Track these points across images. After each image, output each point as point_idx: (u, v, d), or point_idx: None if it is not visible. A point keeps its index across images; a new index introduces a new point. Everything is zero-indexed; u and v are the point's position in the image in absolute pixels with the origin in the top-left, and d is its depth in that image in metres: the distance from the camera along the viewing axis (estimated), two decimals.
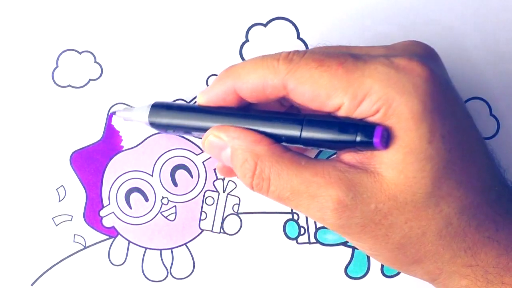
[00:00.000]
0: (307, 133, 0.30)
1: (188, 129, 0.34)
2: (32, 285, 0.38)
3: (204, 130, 0.33)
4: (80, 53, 0.38)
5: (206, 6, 0.38)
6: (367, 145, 0.28)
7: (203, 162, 0.38)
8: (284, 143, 0.31)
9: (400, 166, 0.28)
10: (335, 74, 0.29)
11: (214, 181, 0.38)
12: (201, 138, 0.33)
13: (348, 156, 0.30)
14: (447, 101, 0.29)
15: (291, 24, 0.39)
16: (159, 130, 0.36)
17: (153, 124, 0.35)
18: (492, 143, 0.38)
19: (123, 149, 0.38)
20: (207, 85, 0.38)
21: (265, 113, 0.32)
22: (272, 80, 0.30)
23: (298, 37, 0.39)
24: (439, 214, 0.29)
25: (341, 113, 0.29)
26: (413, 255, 0.30)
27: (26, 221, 0.38)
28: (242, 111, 0.32)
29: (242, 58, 0.38)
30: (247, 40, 0.38)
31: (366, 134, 0.28)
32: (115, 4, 0.38)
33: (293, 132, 0.30)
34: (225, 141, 0.32)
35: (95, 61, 0.38)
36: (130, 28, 0.38)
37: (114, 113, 0.38)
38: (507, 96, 0.39)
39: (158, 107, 0.35)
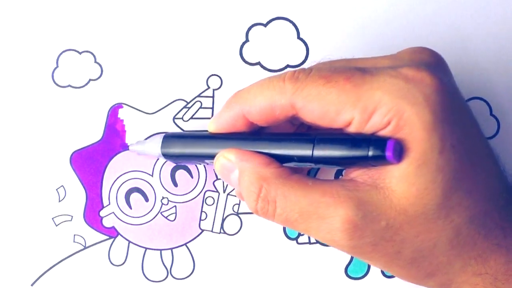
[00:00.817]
0: (319, 152, 0.30)
1: (201, 157, 0.35)
2: (32, 285, 0.38)
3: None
4: (80, 53, 0.38)
5: (206, 6, 0.38)
6: (379, 159, 0.28)
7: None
8: (294, 164, 0.31)
9: (412, 179, 0.28)
10: (343, 89, 0.29)
11: (214, 181, 0.38)
12: None
13: (356, 174, 0.30)
14: (456, 109, 0.29)
15: (291, 24, 0.39)
16: (172, 161, 0.37)
17: (166, 155, 0.36)
18: (492, 143, 0.38)
19: (123, 149, 0.38)
20: (207, 85, 0.38)
21: (275, 135, 0.32)
22: (280, 100, 0.30)
23: (298, 37, 0.39)
24: (450, 225, 0.29)
25: (352, 128, 0.29)
26: (426, 269, 0.30)
27: (26, 221, 0.38)
28: (252, 135, 0.33)
29: (242, 58, 0.38)
30: (247, 40, 0.38)
31: (379, 148, 0.28)
32: (115, 4, 0.38)
33: (305, 151, 0.30)
34: (234, 163, 0.32)
35: (95, 61, 0.38)
36: (130, 28, 0.38)
37: (127, 146, 0.38)
38: (507, 96, 0.39)
39: (169, 138, 0.35)
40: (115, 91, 0.38)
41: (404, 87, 0.28)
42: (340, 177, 0.31)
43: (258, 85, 0.31)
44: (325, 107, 0.29)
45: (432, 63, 0.31)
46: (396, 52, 0.33)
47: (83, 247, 0.38)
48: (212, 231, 0.38)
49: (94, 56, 0.38)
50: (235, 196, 0.38)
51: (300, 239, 0.38)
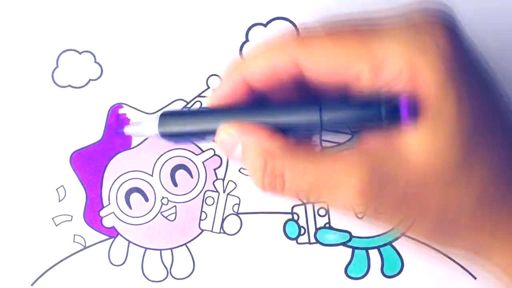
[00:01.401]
0: (328, 115, 0.28)
1: (201, 134, 0.32)
2: (32, 285, 0.38)
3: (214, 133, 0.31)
4: (80, 53, 0.38)
5: (206, 6, 0.38)
6: (393, 119, 0.26)
7: (203, 162, 0.38)
8: (302, 134, 0.30)
9: (430, 137, 0.26)
10: (350, 42, 0.27)
11: (214, 181, 0.38)
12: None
13: (368, 138, 0.28)
14: (471, 60, 0.28)
15: (291, 24, 0.39)
16: (171, 141, 0.34)
17: (164, 135, 0.33)
18: None
19: (123, 149, 0.38)
20: (207, 85, 0.38)
21: (280, 104, 0.30)
22: (283, 60, 0.28)
23: None
24: (474, 181, 0.27)
25: (363, 82, 0.27)
26: (452, 232, 0.28)
27: (26, 221, 0.38)
28: (254, 105, 0.31)
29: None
30: (247, 40, 0.38)
31: (392, 107, 0.26)
32: (115, 4, 0.38)
33: (312, 116, 0.28)
34: (236, 137, 0.30)
35: (95, 61, 0.38)
36: (130, 28, 0.38)
37: (122, 131, 0.36)
38: (507, 96, 0.39)
39: (167, 116, 0.33)
40: (115, 91, 0.38)
41: (415, 38, 0.26)
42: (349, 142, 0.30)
43: (258, 47, 0.30)
44: (332, 61, 0.27)
45: (443, 15, 0.28)
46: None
47: (83, 247, 0.38)
48: (212, 231, 0.38)
49: (94, 56, 0.38)
50: (235, 196, 0.38)
51: (300, 239, 0.38)
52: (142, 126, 0.34)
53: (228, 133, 0.30)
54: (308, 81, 0.29)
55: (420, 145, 0.27)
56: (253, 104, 0.31)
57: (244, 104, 0.31)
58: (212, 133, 0.31)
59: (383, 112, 0.26)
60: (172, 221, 0.38)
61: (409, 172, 0.27)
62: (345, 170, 0.27)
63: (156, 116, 0.33)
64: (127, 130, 0.35)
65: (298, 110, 0.29)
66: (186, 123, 0.32)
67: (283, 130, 0.29)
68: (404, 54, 0.26)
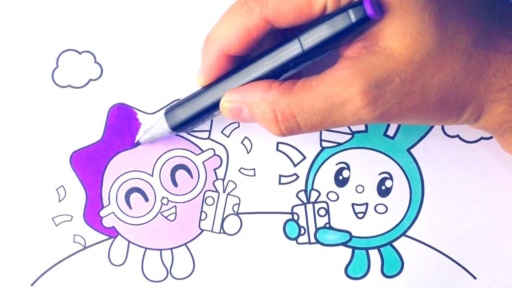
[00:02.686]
0: (307, 42, 0.30)
1: (207, 112, 0.34)
2: (32, 285, 0.38)
3: (216, 106, 0.33)
4: (80, 53, 0.38)
5: (206, 6, 0.38)
6: (364, 21, 0.28)
7: (203, 162, 0.38)
8: (291, 72, 0.31)
9: (402, 28, 0.29)
10: None
11: (214, 181, 0.38)
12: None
13: (349, 52, 0.30)
14: None
15: None
16: (185, 131, 0.37)
17: (175, 129, 0.35)
18: (492, 143, 0.38)
19: (123, 149, 0.38)
20: None
21: (261, 55, 0.32)
22: (252, 22, 0.31)
23: None
24: (458, 53, 0.29)
25: (330, 9, 0.29)
26: (455, 104, 0.30)
27: (26, 221, 0.38)
28: (241, 66, 0.32)
29: None
30: None
31: (358, 11, 0.28)
32: (115, 4, 0.38)
33: (295, 50, 0.30)
34: (239, 102, 0.32)
35: (95, 61, 0.38)
36: (130, 28, 0.38)
37: (138, 143, 0.38)
38: None
39: (170, 111, 0.35)
40: (115, 91, 0.38)
41: None
42: (337, 61, 0.31)
43: (224, 19, 0.32)
44: (296, 5, 0.30)
45: None
46: None
47: (83, 247, 0.38)
48: (212, 231, 0.38)
49: (94, 56, 0.38)
50: (235, 196, 0.38)
51: (300, 239, 0.38)
52: (154, 130, 0.36)
53: (230, 101, 0.32)
54: (280, 29, 0.31)
55: (396, 37, 0.29)
56: (239, 66, 0.33)
57: (231, 70, 0.33)
58: (216, 106, 0.33)
59: (352, 17, 0.28)
60: (172, 221, 0.38)
61: (398, 67, 0.29)
62: (344, 88, 0.29)
63: (161, 116, 0.35)
64: (142, 139, 0.37)
65: (279, 51, 0.31)
66: (189, 109, 0.34)
67: (275, 77, 0.32)
68: None
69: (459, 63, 0.29)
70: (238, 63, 0.33)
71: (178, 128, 0.35)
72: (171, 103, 0.38)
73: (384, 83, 0.29)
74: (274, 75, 0.32)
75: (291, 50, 0.31)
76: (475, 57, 0.30)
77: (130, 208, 0.38)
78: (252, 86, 0.32)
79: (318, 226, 0.38)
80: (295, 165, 0.38)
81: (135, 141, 0.38)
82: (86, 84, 0.38)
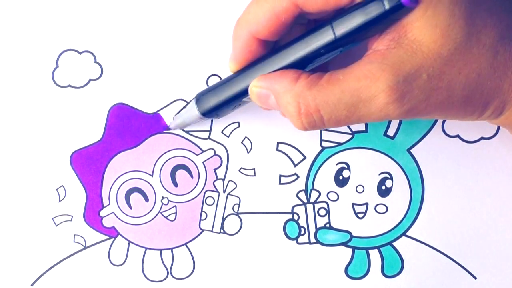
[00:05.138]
0: (340, 29, 0.30)
1: (237, 98, 0.34)
2: (32, 285, 0.38)
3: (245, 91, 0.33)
4: (80, 53, 0.38)
5: (206, 6, 0.38)
6: (398, 8, 0.28)
7: (203, 162, 0.38)
8: (321, 61, 0.31)
9: (432, 20, 0.28)
10: None
11: (214, 181, 0.38)
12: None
13: (377, 44, 0.30)
14: None
15: None
16: (215, 117, 0.36)
17: (206, 114, 0.35)
18: (492, 143, 0.38)
19: (123, 149, 0.38)
20: (207, 85, 0.38)
21: (293, 40, 0.32)
22: (281, 5, 0.31)
23: None
24: (484, 48, 0.29)
25: None
26: (479, 101, 0.30)
27: (26, 221, 0.38)
28: (272, 52, 0.32)
29: None
30: None
31: None
32: (115, 4, 0.38)
33: (327, 37, 0.30)
34: (265, 90, 0.32)
35: (95, 61, 0.38)
36: (130, 28, 0.38)
37: (168, 127, 0.38)
38: None
39: (201, 96, 0.35)
40: (115, 91, 0.38)
41: None
42: (365, 54, 0.31)
43: (254, 2, 0.32)
44: None
45: None
46: None
47: (83, 247, 0.38)
48: (212, 231, 0.38)
49: (94, 56, 0.38)
50: (235, 196, 0.38)
51: (300, 239, 0.38)
52: (184, 115, 0.37)
53: (258, 87, 0.32)
54: (309, 14, 0.31)
55: (426, 30, 0.28)
56: (271, 52, 0.33)
57: (262, 55, 0.33)
58: (247, 93, 0.33)
59: (385, 3, 0.28)
60: (172, 221, 0.38)
61: (426, 62, 0.29)
62: (371, 83, 0.29)
63: (192, 101, 0.36)
64: (173, 125, 0.37)
65: (311, 38, 0.31)
66: (220, 94, 0.34)
67: (303, 66, 0.31)
68: None
69: (486, 58, 0.29)
70: (269, 48, 0.33)
71: (208, 113, 0.35)
72: (171, 103, 0.38)
73: (412, 78, 0.29)
74: (305, 61, 0.31)
75: (323, 36, 0.30)
76: (500, 53, 0.29)
77: (130, 208, 0.38)
78: (280, 75, 0.31)
79: (318, 226, 0.38)
80: (295, 165, 0.38)
81: (167, 126, 0.38)
82: (86, 84, 0.38)
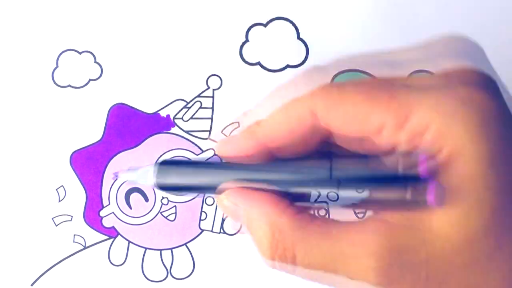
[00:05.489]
0: (340, 173, 0.26)
1: (203, 190, 0.30)
2: (32, 285, 0.38)
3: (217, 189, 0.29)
4: (80, 53, 0.38)
5: (206, 6, 0.38)
6: (418, 204, 0.24)
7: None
8: (311, 201, 0.27)
9: (460, 222, 0.23)
10: (387, 108, 0.24)
11: None
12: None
13: (387, 212, 0.25)
14: (506, 126, 0.24)
15: (291, 24, 0.39)
16: (170, 193, 0.33)
17: (161, 187, 0.31)
18: None
19: (123, 149, 0.38)
20: (207, 85, 0.38)
21: (288, 160, 0.27)
22: (310, 121, 0.26)
23: (298, 37, 0.39)
24: (504, 268, 0.24)
25: (384, 135, 0.24)
26: None
27: (26, 221, 0.38)
28: (262, 163, 0.28)
29: (242, 58, 0.38)
30: (247, 40, 0.38)
31: (419, 190, 0.24)
32: (115, 4, 0.38)
33: (322, 173, 0.26)
34: (241, 208, 0.28)
35: (95, 61, 0.38)
36: (130, 28, 0.38)
37: (116, 175, 0.36)
38: (506, 96, 0.39)
39: (166, 165, 0.31)
40: (115, 91, 0.38)
41: (459, 109, 0.23)
42: (371, 214, 0.26)
43: (282, 108, 0.27)
44: (366, 128, 0.24)
45: (486, 84, 0.25)
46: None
47: (83, 247, 0.38)
48: (212, 231, 0.38)
49: (94, 56, 0.38)
50: None
51: None
52: (138, 174, 0.33)
53: (232, 201, 0.28)
54: (324, 135, 0.26)
55: (448, 232, 0.24)
56: (261, 162, 0.28)
57: (251, 161, 0.28)
58: (215, 189, 0.29)
59: (408, 194, 0.24)
60: (172, 221, 0.38)
61: (433, 261, 0.24)
62: (364, 255, 0.25)
63: (154, 165, 0.31)
64: (122, 175, 0.35)
65: (307, 165, 0.27)
66: (187, 176, 0.30)
67: (291, 195, 0.27)
68: (445, 128, 0.23)
69: (501, 275, 0.24)
70: (264, 155, 0.28)
71: (165, 189, 0.31)
72: (171, 103, 0.38)
73: (409, 270, 0.24)
74: (291, 193, 0.27)
75: (317, 172, 0.26)
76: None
77: (130, 208, 0.38)
78: (260, 197, 0.27)
79: None
80: None
81: (115, 174, 0.37)
82: (86, 84, 0.38)
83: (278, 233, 0.26)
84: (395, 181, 0.24)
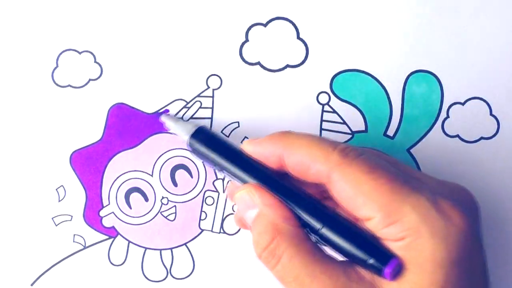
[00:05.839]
0: (326, 232, 0.30)
1: (225, 170, 0.34)
2: (32, 285, 0.38)
3: (239, 178, 0.33)
4: (80, 53, 0.38)
5: (206, 6, 0.38)
6: (375, 270, 0.29)
7: (203, 162, 0.38)
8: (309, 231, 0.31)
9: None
10: (380, 187, 0.29)
11: (214, 181, 0.38)
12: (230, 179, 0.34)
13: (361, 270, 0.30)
14: (471, 258, 0.29)
15: (291, 24, 0.39)
16: (196, 156, 0.36)
17: (193, 148, 0.35)
18: (492, 143, 0.38)
19: (123, 149, 0.38)
20: (207, 85, 0.38)
21: (300, 193, 0.32)
22: (321, 164, 0.30)
23: (298, 37, 0.39)
24: None
25: (369, 225, 0.30)
26: None
27: (26, 221, 0.38)
28: (280, 180, 0.32)
29: (242, 58, 0.38)
30: (247, 40, 0.38)
31: (380, 261, 0.29)
32: (115, 4, 0.38)
33: (315, 224, 0.31)
34: (256, 203, 0.32)
35: (95, 61, 0.38)
36: (130, 28, 0.38)
37: (164, 112, 0.38)
38: (507, 96, 0.39)
39: (202, 133, 0.35)
40: (115, 91, 0.38)
41: (433, 216, 0.29)
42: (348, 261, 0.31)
43: (309, 138, 0.31)
44: (357, 195, 0.29)
45: (468, 207, 0.31)
46: None
47: (83, 247, 0.38)
48: (212, 231, 0.38)
49: (94, 56, 0.38)
50: None
51: None
52: (177, 125, 0.36)
53: (251, 195, 0.32)
54: (328, 191, 0.31)
55: None
56: (279, 176, 0.32)
57: (272, 169, 0.32)
58: (234, 175, 0.33)
59: (371, 261, 0.29)
60: (172, 221, 0.38)
61: None
62: (330, 285, 0.29)
63: (194, 125, 0.35)
64: (165, 117, 0.37)
65: (307, 210, 0.31)
66: (216, 151, 0.34)
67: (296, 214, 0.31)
68: (415, 226, 0.28)
69: None
70: (281, 171, 0.33)
71: (195, 151, 0.35)
72: (171, 103, 0.38)
73: None
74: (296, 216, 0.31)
75: (313, 219, 0.31)
76: None
77: (130, 208, 0.38)
78: (276, 205, 0.31)
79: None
80: None
81: (161, 111, 0.38)
82: (86, 84, 0.38)
83: (278, 239, 0.30)
84: (367, 246, 0.30)
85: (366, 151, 0.32)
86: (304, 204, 0.31)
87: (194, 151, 0.35)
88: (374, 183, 0.29)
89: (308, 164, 0.31)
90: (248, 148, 0.33)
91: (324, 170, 0.30)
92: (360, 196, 0.29)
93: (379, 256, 0.29)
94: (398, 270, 0.29)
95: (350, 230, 0.30)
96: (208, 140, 0.35)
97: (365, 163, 0.30)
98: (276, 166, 0.32)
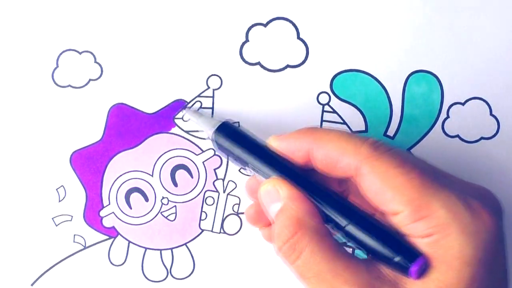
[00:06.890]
0: (352, 228, 0.30)
1: (249, 163, 0.33)
2: (32, 285, 0.38)
3: (264, 172, 0.33)
4: (80, 53, 0.38)
5: (206, 6, 0.38)
6: (401, 269, 0.29)
7: (203, 162, 0.38)
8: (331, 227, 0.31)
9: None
10: (410, 181, 0.29)
11: (214, 181, 0.38)
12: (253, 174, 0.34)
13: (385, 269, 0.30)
14: (495, 258, 0.29)
15: (291, 24, 0.39)
16: (220, 152, 0.36)
17: (218, 143, 0.35)
18: (492, 143, 0.38)
19: (123, 149, 0.38)
20: (207, 85, 0.38)
21: (327, 189, 0.32)
22: (351, 157, 0.30)
23: (298, 37, 0.39)
24: None
25: (395, 219, 0.29)
26: None
27: (26, 221, 0.38)
28: (304, 175, 0.32)
29: (242, 58, 0.38)
30: (247, 40, 0.38)
31: (407, 258, 0.28)
32: (115, 4, 0.38)
33: (341, 220, 0.30)
34: (282, 197, 0.31)
35: (95, 61, 0.38)
36: (130, 28, 0.38)
37: (181, 104, 0.38)
38: (507, 96, 0.39)
39: (226, 128, 0.35)
40: (115, 91, 0.38)
41: (463, 214, 0.28)
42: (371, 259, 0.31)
43: (337, 133, 0.31)
44: (386, 188, 0.29)
45: (495, 208, 0.31)
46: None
47: (83, 247, 0.38)
48: (212, 231, 0.38)
49: (94, 56, 0.38)
50: (235, 196, 0.38)
51: None
52: (202, 120, 0.36)
53: (277, 188, 0.31)
54: (357, 186, 0.31)
55: None
56: (304, 171, 0.32)
57: (297, 165, 0.32)
58: (260, 170, 0.33)
59: (397, 259, 0.29)
60: (172, 221, 0.38)
61: None
62: (351, 282, 0.29)
63: (218, 121, 0.35)
64: (188, 113, 0.37)
65: (334, 206, 0.31)
66: (240, 146, 0.34)
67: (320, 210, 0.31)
68: (444, 223, 0.28)
69: None
70: (306, 167, 0.32)
71: (219, 146, 0.35)
72: (171, 103, 0.38)
73: None
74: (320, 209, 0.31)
75: (339, 216, 0.30)
76: None
77: (130, 208, 0.38)
78: (302, 200, 0.31)
79: None
80: None
81: (184, 105, 0.38)
82: (86, 84, 0.38)
83: (301, 233, 0.30)
84: (393, 244, 0.29)
85: (398, 148, 0.31)
86: (330, 200, 0.31)
87: (219, 145, 0.35)
88: (404, 177, 0.29)
89: (337, 158, 0.30)
90: (275, 143, 0.33)
91: (353, 163, 0.30)
92: (389, 190, 0.29)
93: (406, 254, 0.28)
94: (425, 268, 0.28)
95: (377, 227, 0.30)
96: (233, 135, 0.34)
97: (395, 157, 0.29)
98: (303, 161, 0.32)
